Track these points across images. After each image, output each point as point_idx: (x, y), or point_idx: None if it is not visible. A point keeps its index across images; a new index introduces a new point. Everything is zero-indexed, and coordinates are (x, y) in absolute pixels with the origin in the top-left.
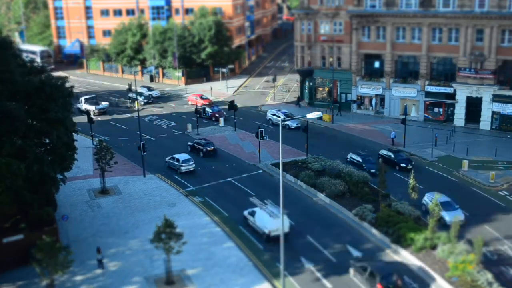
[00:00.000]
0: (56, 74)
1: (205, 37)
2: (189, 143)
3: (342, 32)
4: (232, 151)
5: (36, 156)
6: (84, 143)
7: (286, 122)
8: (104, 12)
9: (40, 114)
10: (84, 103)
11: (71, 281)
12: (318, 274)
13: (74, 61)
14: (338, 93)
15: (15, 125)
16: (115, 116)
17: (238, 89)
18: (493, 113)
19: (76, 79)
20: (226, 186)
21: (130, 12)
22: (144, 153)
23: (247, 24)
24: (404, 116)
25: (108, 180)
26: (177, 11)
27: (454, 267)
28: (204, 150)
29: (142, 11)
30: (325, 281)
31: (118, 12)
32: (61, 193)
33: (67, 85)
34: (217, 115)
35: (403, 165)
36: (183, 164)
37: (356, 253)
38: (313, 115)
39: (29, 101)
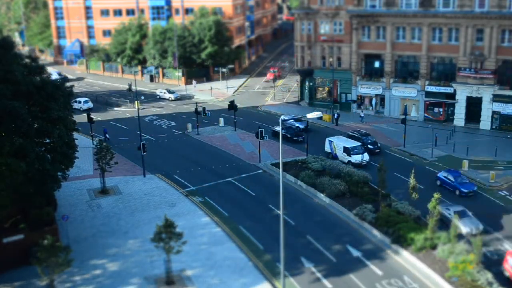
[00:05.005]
0: None
1: (205, 37)
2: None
3: (342, 32)
4: (232, 151)
5: (36, 155)
6: (84, 143)
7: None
8: (104, 12)
9: (41, 113)
10: None
11: (71, 281)
12: (318, 274)
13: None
14: (338, 93)
15: (16, 123)
16: (115, 117)
17: (238, 89)
18: (493, 113)
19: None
20: (226, 186)
21: (130, 12)
22: (144, 153)
23: (247, 24)
24: (404, 116)
25: (108, 180)
26: (177, 11)
27: (454, 267)
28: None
29: (142, 11)
30: (325, 281)
31: (118, 12)
32: (61, 193)
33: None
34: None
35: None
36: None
37: (356, 253)
38: (313, 115)
39: (30, 100)
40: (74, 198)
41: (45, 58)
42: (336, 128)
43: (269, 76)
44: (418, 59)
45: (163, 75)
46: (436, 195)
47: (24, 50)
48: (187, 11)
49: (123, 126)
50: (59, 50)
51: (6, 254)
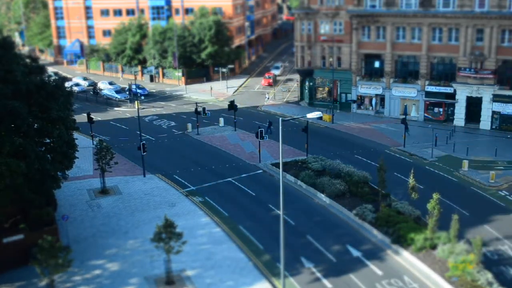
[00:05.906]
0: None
1: (205, 37)
2: None
3: (342, 32)
4: (232, 151)
5: (36, 155)
6: (84, 143)
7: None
8: (104, 12)
9: (40, 113)
10: None
11: (71, 281)
12: (318, 274)
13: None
14: (338, 93)
15: (16, 123)
16: (115, 116)
17: (238, 89)
18: (493, 113)
19: None
20: (226, 186)
21: (130, 12)
22: (144, 153)
23: (247, 24)
24: (404, 116)
25: (108, 180)
26: (177, 11)
27: (454, 267)
28: None
29: (142, 11)
30: (325, 281)
31: (118, 12)
32: (61, 193)
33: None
34: None
35: None
36: None
37: (356, 253)
38: (313, 115)
39: (30, 100)
40: (74, 198)
41: (45, 58)
42: (335, 127)
43: (264, 82)
44: (418, 59)
45: (163, 75)
46: (435, 195)
47: (24, 50)
48: (187, 11)
49: (123, 126)
50: (59, 50)
51: (6, 254)
